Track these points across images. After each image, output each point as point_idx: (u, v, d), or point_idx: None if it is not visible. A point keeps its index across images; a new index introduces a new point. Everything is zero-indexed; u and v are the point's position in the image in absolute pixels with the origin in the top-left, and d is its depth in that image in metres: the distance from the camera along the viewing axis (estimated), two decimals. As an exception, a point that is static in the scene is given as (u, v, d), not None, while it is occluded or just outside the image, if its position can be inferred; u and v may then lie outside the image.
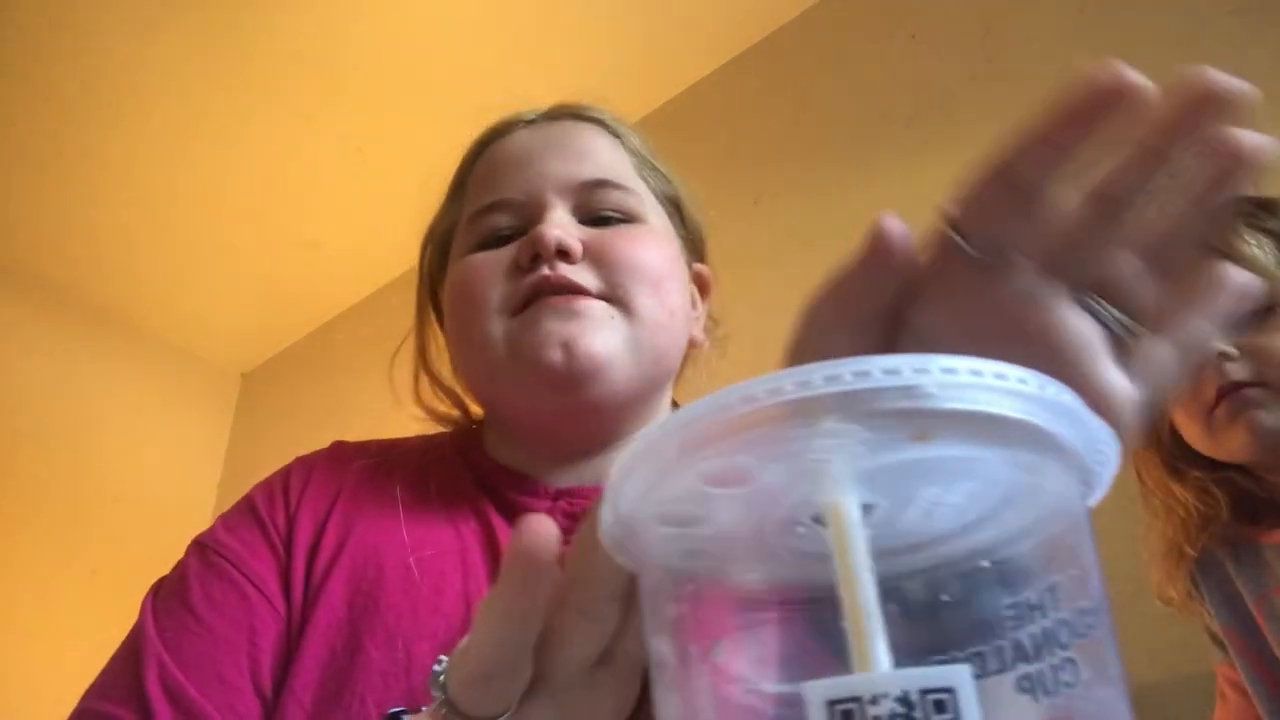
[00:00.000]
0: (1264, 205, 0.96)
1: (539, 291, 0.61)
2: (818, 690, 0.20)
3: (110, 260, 2.53)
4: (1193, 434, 0.96)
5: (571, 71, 2.12)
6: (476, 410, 0.73)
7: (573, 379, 0.59)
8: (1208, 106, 0.29)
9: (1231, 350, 0.90)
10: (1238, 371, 0.90)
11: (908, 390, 0.21)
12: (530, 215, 0.65)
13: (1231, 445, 0.92)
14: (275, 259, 2.58)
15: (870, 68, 1.95)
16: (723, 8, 2.13)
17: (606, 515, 0.26)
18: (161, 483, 2.58)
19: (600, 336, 0.60)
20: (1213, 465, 0.97)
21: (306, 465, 0.66)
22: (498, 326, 0.62)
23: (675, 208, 0.73)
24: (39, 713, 1.48)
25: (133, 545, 2.32)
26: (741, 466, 0.23)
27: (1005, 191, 0.30)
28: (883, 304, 0.32)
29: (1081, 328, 0.31)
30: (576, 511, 0.61)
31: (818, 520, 0.23)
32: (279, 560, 0.58)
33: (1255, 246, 0.92)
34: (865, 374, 0.21)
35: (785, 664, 0.23)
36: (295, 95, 2.20)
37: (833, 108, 1.96)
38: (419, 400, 0.74)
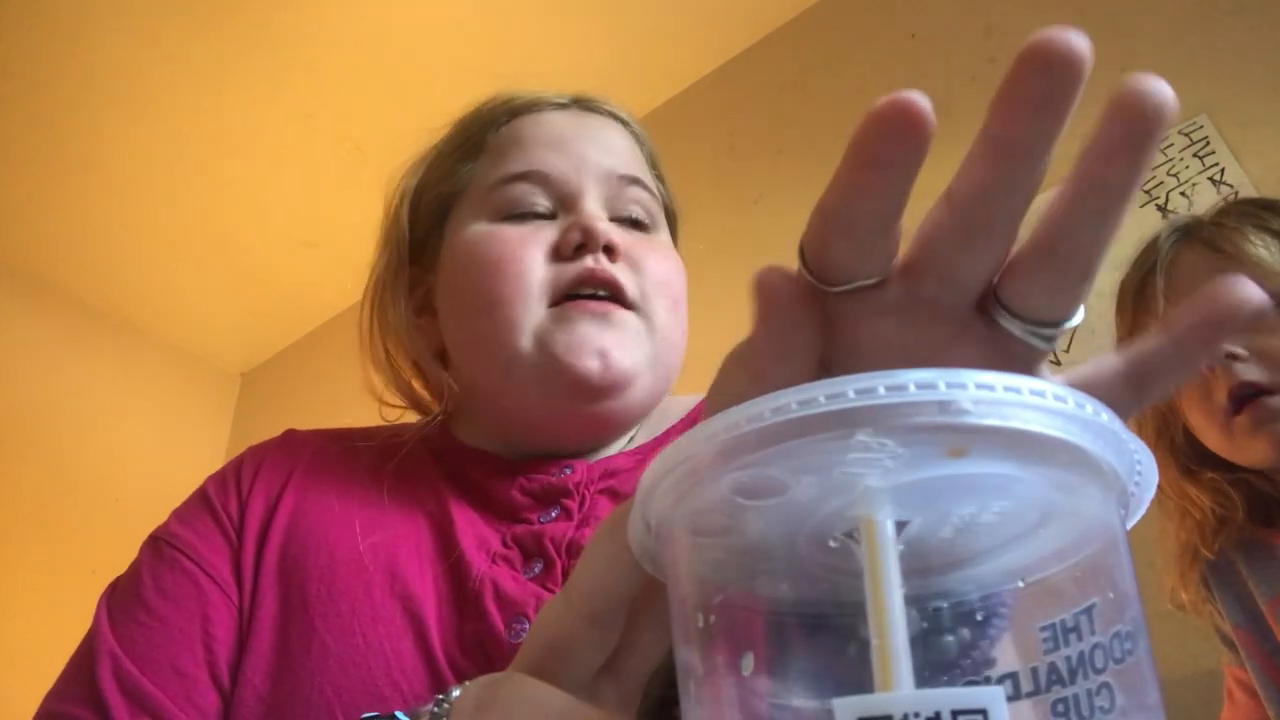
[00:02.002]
0: (1269, 206, 0.96)
1: (583, 284, 0.60)
2: (849, 708, 0.19)
3: (110, 260, 2.52)
4: (1210, 438, 0.95)
5: (572, 71, 2.12)
6: (432, 396, 0.71)
7: (602, 390, 0.58)
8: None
9: (1240, 350, 0.89)
10: (1248, 372, 0.88)
11: (943, 405, 0.21)
12: (564, 196, 0.64)
13: (1253, 454, 0.91)
14: (275, 259, 2.58)
15: (870, 68, 1.95)
16: (723, 8, 2.13)
17: (637, 523, 0.26)
18: (161, 483, 2.56)
19: (629, 351, 0.60)
20: (1228, 466, 0.96)
21: (258, 454, 0.65)
22: (532, 314, 0.59)
23: (671, 221, 0.73)
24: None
25: (133, 545, 2.27)
26: (773, 478, 0.22)
27: (838, 227, 0.27)
28: (797, 366, 0.28)
29: (975, 348, 0.28)
30: (534, 489, 0.59)
31: (850, 536, 0.22)
32: (232, 547, 0.57)
33: (1261, 247, 0.91)
34: (900, 388, 0.21)
35: (813, 680, 0.23)
36: (295, 95, 2.20)
37: (833, 108, 1.96)
38: (375, 362, 0.71)
